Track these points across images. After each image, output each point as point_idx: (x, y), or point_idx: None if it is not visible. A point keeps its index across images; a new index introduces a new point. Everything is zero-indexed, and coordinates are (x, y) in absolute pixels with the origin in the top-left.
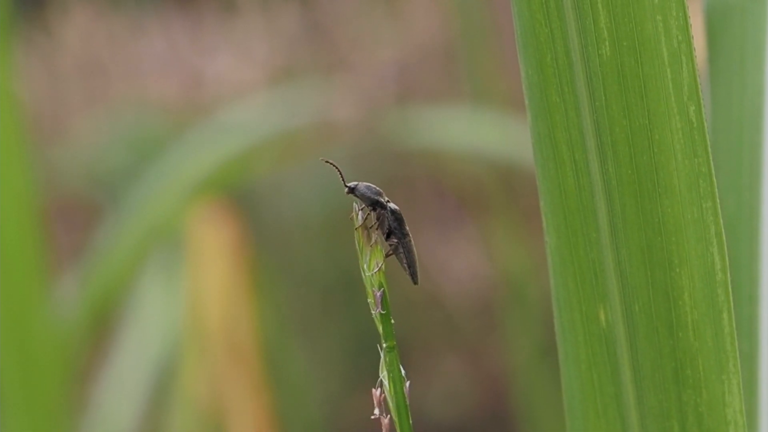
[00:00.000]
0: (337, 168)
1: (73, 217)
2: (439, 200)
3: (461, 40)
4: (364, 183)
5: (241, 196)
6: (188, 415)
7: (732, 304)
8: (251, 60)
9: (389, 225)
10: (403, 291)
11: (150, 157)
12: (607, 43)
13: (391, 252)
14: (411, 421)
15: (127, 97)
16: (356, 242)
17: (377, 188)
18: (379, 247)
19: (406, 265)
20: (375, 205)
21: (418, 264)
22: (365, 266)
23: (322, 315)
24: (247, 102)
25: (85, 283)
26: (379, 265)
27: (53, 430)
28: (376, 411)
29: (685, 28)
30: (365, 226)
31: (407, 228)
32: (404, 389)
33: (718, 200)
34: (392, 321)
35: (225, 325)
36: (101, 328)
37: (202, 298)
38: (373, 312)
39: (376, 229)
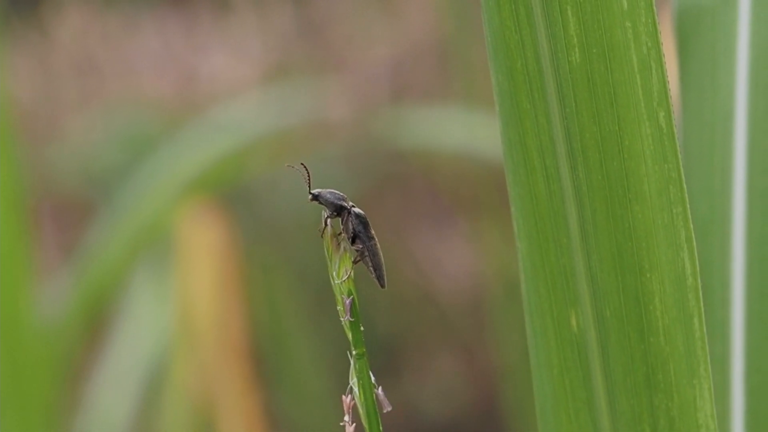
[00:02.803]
0: (306, 172)
1: (66, 216)
2: (432, 199)
3: (454, 38)
4: (328, 189)
5: (235, 194)
6: (180, 413)
7: (702, 308)
8: (245, 58)
9: (354, 229)
10: (397, 289)
11: (144, 156)
12: (576, 50)
13: (358, 258)
14: (381, 428)
15: (121, 95)
16: (325, 251)
17: (341, 194)
18: (347, 254)
19: (372, 268)
20: (339, 210)
21: (384, 267)
22: (334, 274)
23: (315, 312)
24: (240, 100)
25: (76, 281)
26: (348, 273)
27: (46, 428)
28: (346, 417)
29: (654, 34)
30: (333, 234)
31: (373, 231)
32: (374, 396)
33: (688, 205)
34: (362, 328)
35: (216, 323)
36: (93, 326)
37: (193, 296)
38: (342, 319)
39: (343, 233)
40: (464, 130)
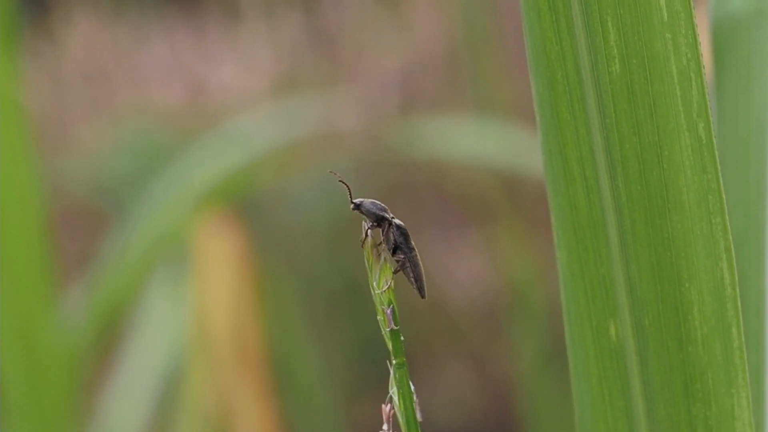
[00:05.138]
0: (345, 184)
1: (78, 226)
2: (443, 208)
3: (465, 47)
4: (369, 200)
5: (246, 205)
6: (195, 424)
7: (741, 318)
8: (255, 68)
9: (395, 240)
10: (408, 298)
11: (155, 166)
12: (617, 61)
13: (398, 268)
14: None
15: (131, 105)
16: (366, 261)
17: (382, 204)
18: (388, 264)
19: (413, 279)
20: (380, 221)
21: (425, 278)
22: (375, 284)
23: (327, 322)
24: (251, 111)
25: (91, 292)
26: (389, 283)
27: None
28: (385, 426)
29: (695, 45)
30: (374, 244)
31: (413, 243)
32: (414, 405)
33: (727, 216)
34: (402, 338)
35: (231, 333)
36: (108, 337)
37: (208, 306)
38: (383, 330)
39: (384, 244)
40: (474, 140)
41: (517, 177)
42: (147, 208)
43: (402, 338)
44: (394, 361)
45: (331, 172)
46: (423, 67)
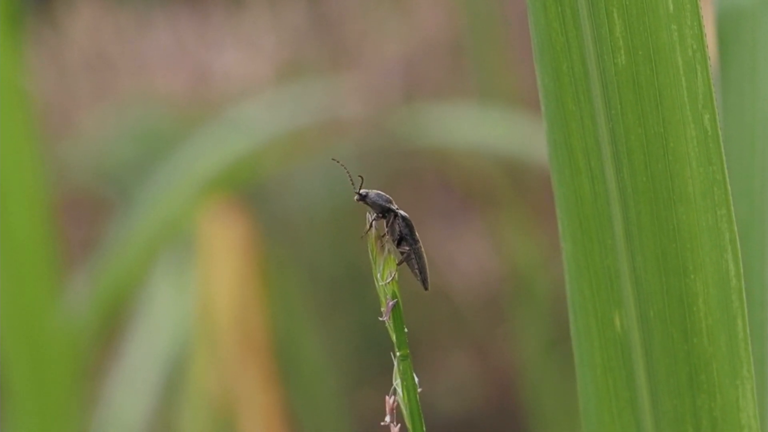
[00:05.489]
0: (347, 172)
1: (81, 212)
2: (446, 195)
3: (468, 34)
4: (375, 190)
5: (250, 193)
6: (199, 410)
7: (746, 310)
8: (258, 55)
9: (400, 232)
10: (411, 284)
11: (158, 152)
12: (622, 52)
13: (403, 260)
14: (425, 429)
15: (134, 91)
16: (369, 252)
17: (387, 196)
18: (392, 256)
19: (417, 271)
20: (386, 212)
21: (428, 270)
22: (378, 276)
23: (330, 309)
24: (254, 98)
25: (95, 279)
26: (392, 275)
27: (64, 426)
28: (387, 418)
29: (700, 37)
30: (378, 235)
31: (417, 234)
32: (417, 397)
33: (732, 207)
34: (406, 330)
35: (235, 320)
36: (112, 324)
37: (212, 293)
38: (386, 321)
39: (389, 236)
40: (478, 127)
41: (521, 164)
42: (151, 194)
43: (406, 330)
44: (398, 353)
45: (334, 159)
46: (426, 54)
